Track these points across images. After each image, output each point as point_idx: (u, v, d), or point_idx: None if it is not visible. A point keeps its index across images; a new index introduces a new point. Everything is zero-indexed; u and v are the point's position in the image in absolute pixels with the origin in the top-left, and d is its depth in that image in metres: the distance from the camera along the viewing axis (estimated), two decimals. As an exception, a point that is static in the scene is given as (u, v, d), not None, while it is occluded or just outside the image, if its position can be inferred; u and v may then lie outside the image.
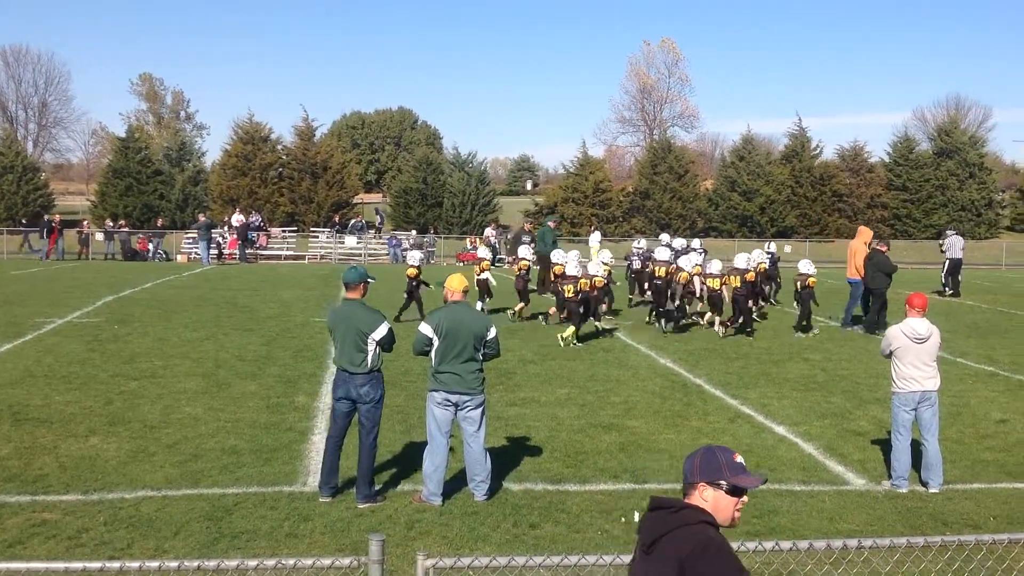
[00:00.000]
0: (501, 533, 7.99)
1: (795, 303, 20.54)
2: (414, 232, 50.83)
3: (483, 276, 21.71)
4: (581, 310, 18.40)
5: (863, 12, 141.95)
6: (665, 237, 30.76)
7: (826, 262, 41.50)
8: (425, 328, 8.70)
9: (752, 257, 20.50)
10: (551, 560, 4.63)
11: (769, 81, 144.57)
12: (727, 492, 3.78)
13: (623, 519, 8.31)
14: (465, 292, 8.91)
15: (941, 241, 31.06)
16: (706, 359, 16.65)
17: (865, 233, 22.23)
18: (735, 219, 59.47)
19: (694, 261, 20.74)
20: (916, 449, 9.49)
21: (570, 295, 18.36)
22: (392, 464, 9.86)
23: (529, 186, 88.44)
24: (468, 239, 50.05)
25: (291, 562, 4.60)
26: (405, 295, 20.77)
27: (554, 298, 21.08)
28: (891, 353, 9.43)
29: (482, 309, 21.54)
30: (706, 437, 11.14)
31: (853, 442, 11.08)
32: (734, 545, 4.80)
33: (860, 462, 10.25)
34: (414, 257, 21.75)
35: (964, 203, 61.52)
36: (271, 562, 4.60)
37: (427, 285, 20.47)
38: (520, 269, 22.10)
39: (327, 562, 4.57)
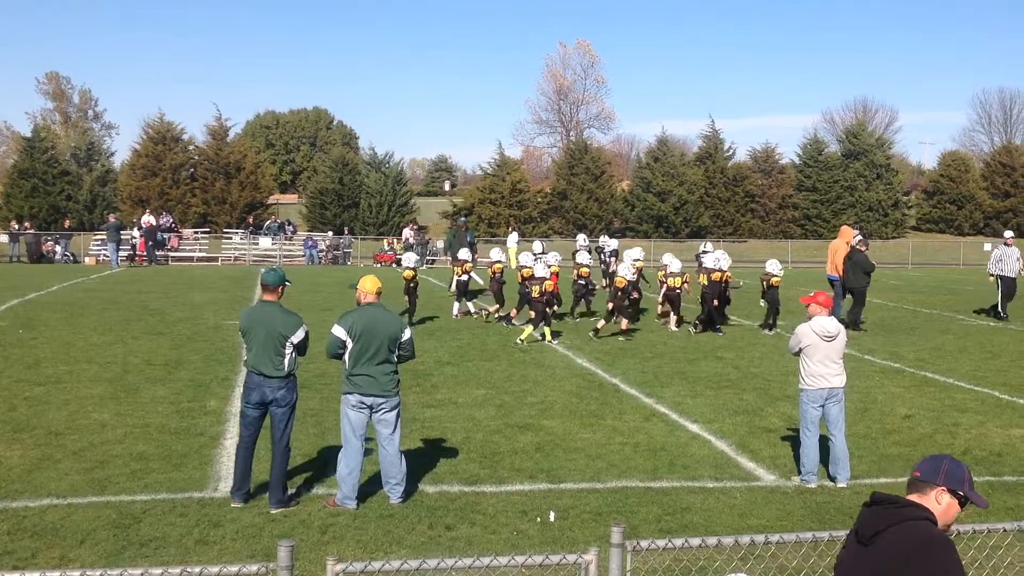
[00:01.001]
0: (416, 535, 7.94)
1: (762, 302, 21.14)
2: (338, 232, 50.30)
3: (464, 278, 22.23)
4: (548, 310, 18.85)
5: (774, 15, 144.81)
6: (581, 238, 31.03)
7: (739, 262, 42.13)
8: (338, 331, 8.59)
9: (718, 257, 20.84)
10: (463, 562, 4.60)
11: (683, 83, 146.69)
12: (959, 503, 4.07)
13: (538, 519, 8.32)
14: (378, 293, 8.83)
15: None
16: (622, 359, 16.78)
17: (847, 233, 22.72)
18: (650, 220, 60.15)
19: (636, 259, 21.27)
20: (824, 445, 9.68)
21: (536, 296, 18.62)
22: (306, 468, 9.74)
23: (447, 187, 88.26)
24: (385, 240, 49.76)
25: (197, 569, 4.49)
26: (406, 297, 20.80)
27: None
28: (800, 351, 9.60)
29: (468, 312, 22.42)
30: (621, 436, 11.24)
31: (764, 439, 11.27)
32: (644, 544, 4.85)
33: (771, 458, 10.42)
34: (410, 259, 21.91)
35: (871, 203, 63.16)
36: (176, 570, 4.48)
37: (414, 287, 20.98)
38: (495, 272, 22.21)
39: (234, 569, 4.48)
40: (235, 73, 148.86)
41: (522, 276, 20.56)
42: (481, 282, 22.50)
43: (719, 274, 20.22)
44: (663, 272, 20.94)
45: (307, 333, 8.71)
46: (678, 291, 20.57)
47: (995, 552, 6.99)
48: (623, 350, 17.74)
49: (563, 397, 13.42)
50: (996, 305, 23.79)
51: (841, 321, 21.36)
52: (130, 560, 7.20)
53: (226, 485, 8.94)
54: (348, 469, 8.55)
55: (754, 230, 61.50)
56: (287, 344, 8.53)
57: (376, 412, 8.64)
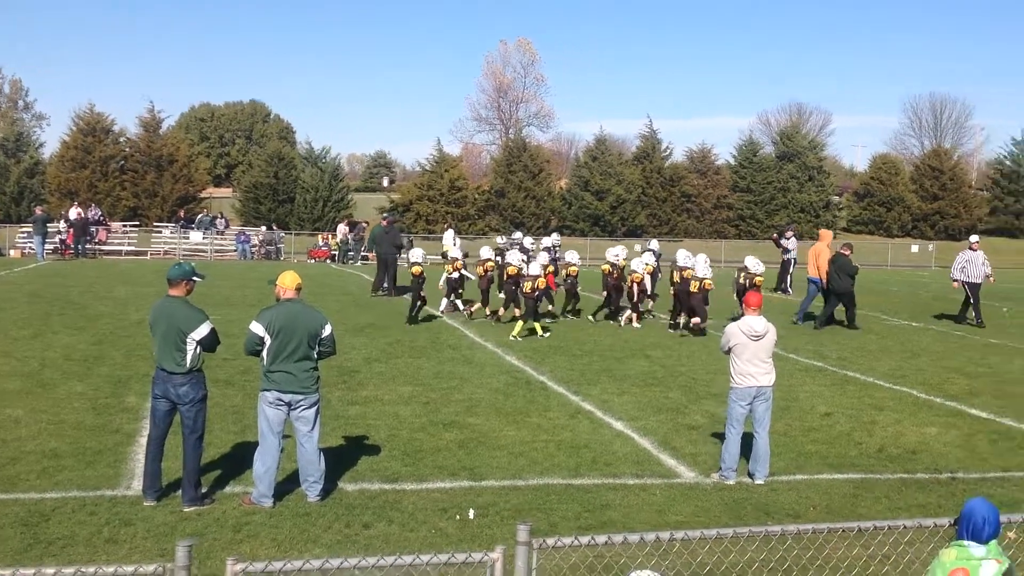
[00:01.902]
0: (333, 534, 7.85)
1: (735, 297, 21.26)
2: (262, 227, 49.72)
3: (455, 276, 22.20)
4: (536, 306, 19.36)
5: (712, 18, 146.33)
6: (518, 235, 31.07)
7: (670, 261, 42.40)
8: (256, 327, 8.46)
9: (688, 255, 21.05)
10: (366, 561, 4.54)
11: (622, 83, 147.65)
12: None
13: (458, 517, 8.28)
14: (298, 289, 8.72)
15: (784, 242, 32.11)
16: (551, 356, 16.80)
17: (826, 236, 23.52)
18: (587, 218, 60.44)
19: (646, 261, 21.76)
20: (747, 442, 9.77)
21: (527, 292, 19.11)
22: (223, 465, 9.59)
23: (385, 183, 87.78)
24: (320, 236, 49.31)
25: (92, 569, 4.38)
26: (411, 294, 20.95)
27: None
28: (729, 350, 9.68)
29: (456, 307, 22.48)
30: (546, 433, 11.24)
31: (686, 436, 11.35)
32: (566, 540, 4.82)
33: (692, 455, 10.49)
34: (416, 255, 21.88)
35: (804, 205, 64.14)
36: (69, 570, 4.37)
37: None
38: (486, 270, 22.22)
39: (130, 569, 4.37)
40: (170, 65, 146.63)
41: (508, 274, 20.88)
42: (473, 278, 22.66)
43: (690, 272, 20.43)
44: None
45: (212, 330, 8.52)
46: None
47: (908, 548, 7.11)
48: (553, 348, 17.77)
49: (490, 394, 13.39)
50: (965, 313, 23.27)
51: (809, 316, 22.52)
52: (35, 559, 7.03)
53: (140, 483, 8.75)
54: (264, 467, 8.43)
55: (689, 230, 62.10)
56: (188, 340, 8.35)
57: (295, 409, 8.53)
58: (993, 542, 4.57)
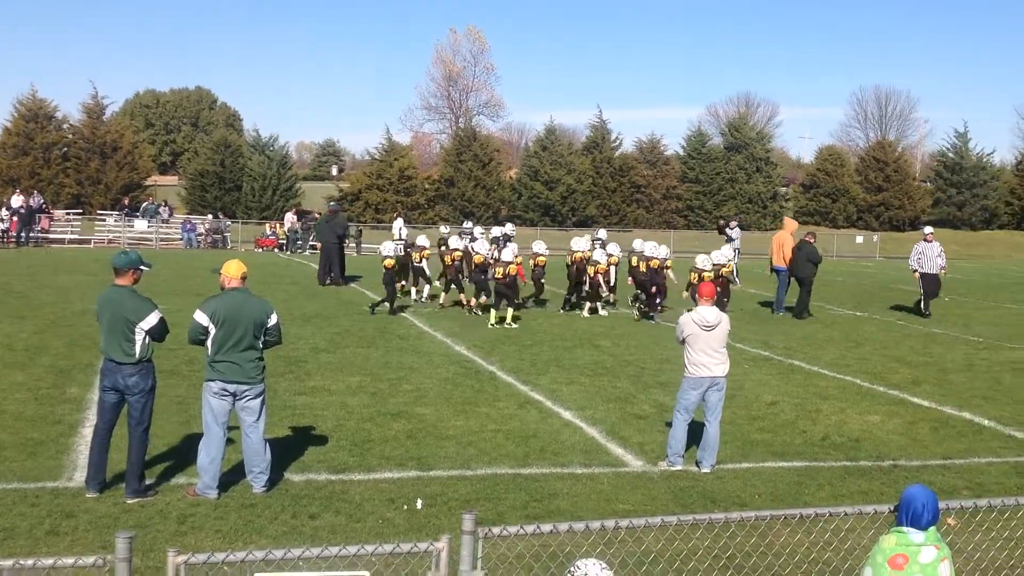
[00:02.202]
0: (278, 525, 7.80)
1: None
2: (210, 216, 49.14)
3: (423, 264, 22.76)
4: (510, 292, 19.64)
5: (662, 8, 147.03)
6: (468, 224, 31.04)
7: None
8: (200, 316, 8.35)
9: (655, 245, 21.67)
10: (310, 551, 4.51)
11: (572, 73, 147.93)
12: None
13: (405, 507, 8.26)
14: (244, 278, 8.62)
15: (728, 231, 32.39)
16: (501, 346, 16.81)
17: (790, 224, 24.27)
18: (538, 208, 60.54)
19: (610, 252, 22.11)
20: (698, 430, 9.83)
21: (499, 278, 19.45)
22: (168, 456, 9.47)
23: (335, 171, 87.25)
24: (268, 224, 48.86)
25: (30, 561, 4.31)
26: (384, 286, 20.91)
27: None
28: (684, 340, 9.74)
29: (420, 296, 23.08)
30: (494, 423, 11.25)
31: (634, 425, 11.41)
32: (512, 529, 4.82)
33: (639, 444, 10.55)
34: (388, 248, 21.80)
35: (751, 195, 64.79)
36: (8, 562, 4.30)
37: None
38: (453, 260, 22.45)
39: (70, 561, 4.30)
40: (115, 51, 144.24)
41: (475, 263, 21.10)
42: (428, 273, 23.40)
43: (657, 261, 20.93)
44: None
45: (161, 319, 8.41)
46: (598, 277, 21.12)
47: (850, 535, 7.21)
48: (502, 337, 17.78)
49: (438, 384, 13.37)
50: (919, 302, 23.54)
51: (788, 309, 22.72)
52: (-27, 553, 6.89)
53: (82, 474, 8.62)
54: (209, 458, 8.34)
55: (639, 220, 62.45)
56: (136, 330, 8.23)
57: (240, 400, 8.44)
58: (932, 528, 4.65)
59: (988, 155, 71.21)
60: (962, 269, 44.73)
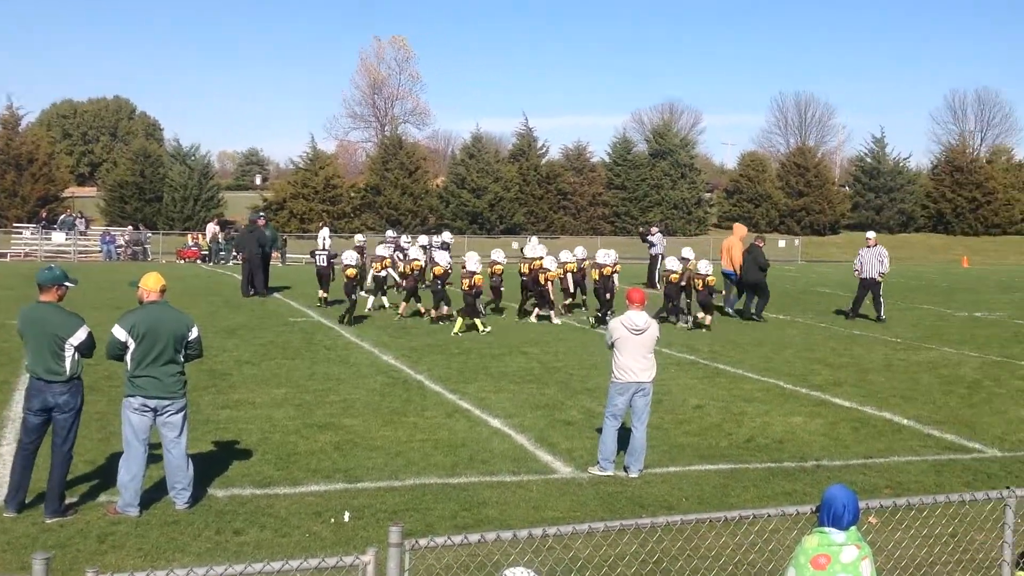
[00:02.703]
0: (202, 542, 7.65)
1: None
2: (130, 227, 48.21)
3: (383, 274, 23.39)
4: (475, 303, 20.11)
5: (585, 16, 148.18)
6: (391, 233, 30.92)
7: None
8: (118, 331, 8.17)
9: (608, 253, 22.35)
10: (233, 569, 4.41)
11: (498, 81, 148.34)
12: None
13: (332, 520, 8.16)
14: (163, 291, 8.45)
15: (650, 237, 32.72)
16: (428, 355, 16.74)
17: (740, 229, 25.04)
18: (465, 216, 60.50)
19: (565, 260, 22.57)
20: (624, 435, 9.89)
21: (465, 288, 19.81)
22: (89, 474, 9.25)
23: (258, 180, 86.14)
24: (190, 235, 48.10)
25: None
26: (346, 296, 21.05)
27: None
28: (613, 344, 9.79)
29: (383, 306, 23.47)
30: (423, 433, 11.18)
31: (563, 432, 11.43)
32: (439, 540, 4.77)
33: (568, 451, 10.57)
34: (350, 257, 21.82)
35: (676, 202, 65.55)
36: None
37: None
38: (412, 270, 22.69)
39: (-20, 588, 4.16)
40: (30, 60, 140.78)
41: (434, 273, 21.32)
42: (397, 279, 24.04)
43: (609, 268, 21.48)
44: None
45: (89, 334, 8.24)
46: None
47: (774, 536, 7.30)
48: (431, 346, 17.72)
49: (366, 395, 13.26)
50: (877, 310, 23.34)
51: (738, 312, 23.28)
52: None
53: (0, 494, 8.38)
54: (130, 475, 8.16)
55: (566, 227, 62.76)
56: (66, 346, 8.05)
57: (161, 415, 8.27)
58: (853, 528, 4.72)
59: (904, 160, 73.15)
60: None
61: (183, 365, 8.44)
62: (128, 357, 8.19)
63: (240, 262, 29.62)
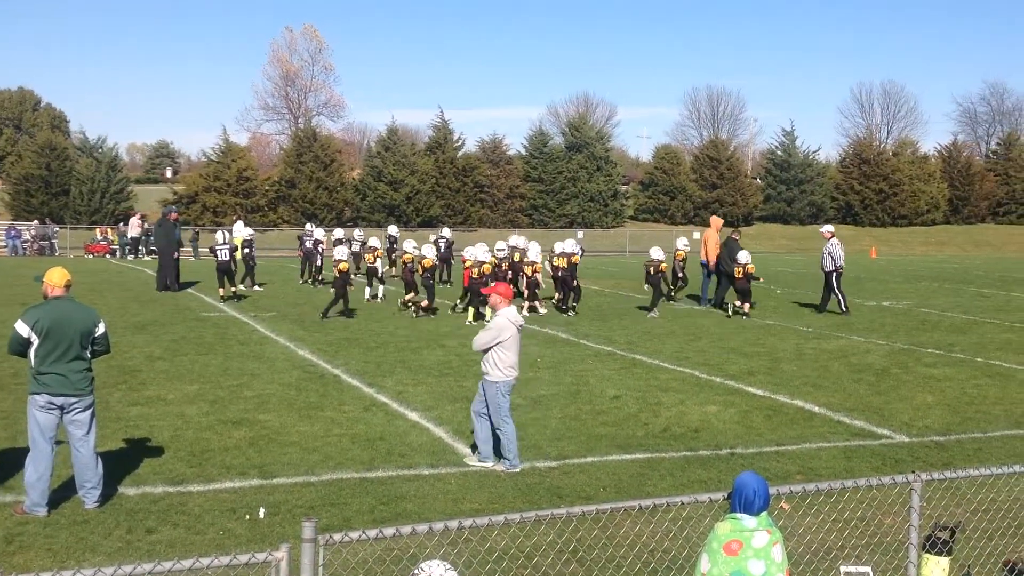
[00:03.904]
0: (113, 541, 7.47)
1: (646, 287, 23.36)
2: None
3: (376, 264, 24.45)
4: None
5: (500, 8, 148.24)
6: (309, 227, 30.64)
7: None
8: (20, 327, 7.93)
9: (573, 242, 23.67)
10: (142, 567, 4.31)
11: (413, 73, 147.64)
12: None
13: (247, 517, 8.05)
14: (67, 286, 8.23)
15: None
16: (346, 349, 16.61)
17: (716, 222, 25.83)
18: (382, 209, 60.13)
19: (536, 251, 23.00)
20: (493, 431, 9.76)
21: (477, 278, 20.54)
22: (-8, 475, 8.97)
23: (169, 173, 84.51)
24: (98, 229, 46.97)
25: None
26: (332, 290, 21.37)
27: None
28: (501, 342, 9.57)
29: (377, 296, 24.48)
30: (340, 427, 11.09)
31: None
32: (354, 535, 4.73)
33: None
34: (342, 252, 22.33)
35: (593, 194, 66.00)
36: None
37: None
38: (404, 262, 22.91)
39: None
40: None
41: (423, 267, 21.80)
42: (390, 270, 25.40)
43: (577, 257, 22.91)
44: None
45: None
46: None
47: (688, 523, 7.41)
48: (348, 340, 17.57)
49: (281, 390, 13.10)
50: (827, 301, 23.42)
51: (709, 302, 24.16)
52: None
53: None
54: (37, 474, 7.93)
55: (484, 219, 62.79)
56: None
57: (68, 413, 8.06)
58: (764, 513, 4.79)
59: (814, 153, 74.76)
60: (792, 263, 46.77)
61: (90, 361, 8.23)
62: (32, 354, 7.97)
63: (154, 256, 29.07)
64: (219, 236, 24.81)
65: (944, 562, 5.90)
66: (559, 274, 22.71)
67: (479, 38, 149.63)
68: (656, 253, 22.43)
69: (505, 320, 9.65)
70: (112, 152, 59.05)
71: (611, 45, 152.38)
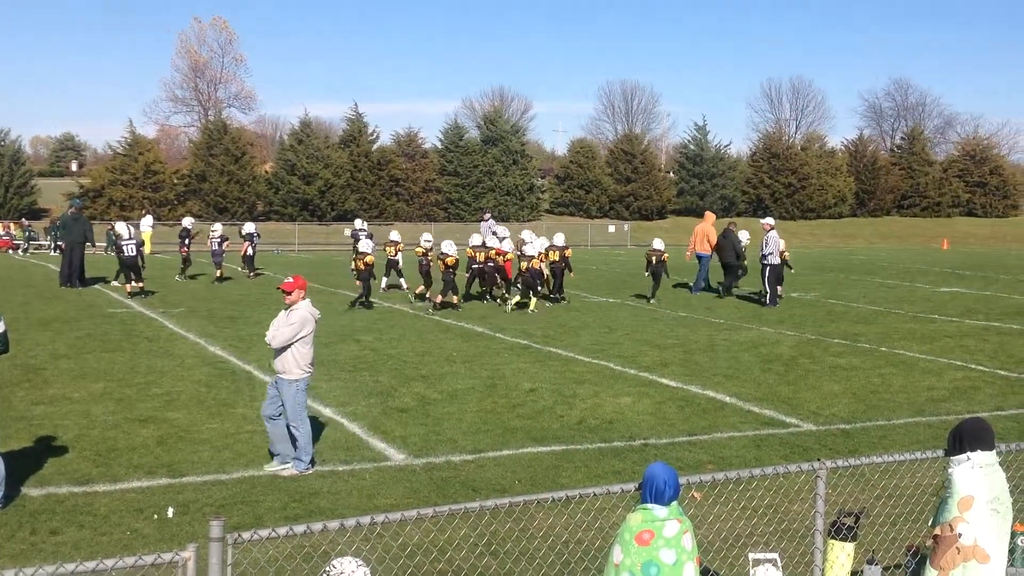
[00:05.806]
0: (16, 543, 7.27)
1: (647, 275, 24.32)
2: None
3: (397, 257, 25.12)
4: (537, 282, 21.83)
5: (412, 2, 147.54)
6: (217, 227, 30.08)
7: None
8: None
9: (560, 237, 24.04)
10: (44, 570, 4.19)
11: (326, 66, 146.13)
12: None
13: (156, 516, 7.88)
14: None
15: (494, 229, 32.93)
16: (258, 345, 16.33)
17: (710, 216, 27.46)
18: (296, 203, 59.39)
19: (539, 247, 22.85)
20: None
21: (524, 269, 21.58)
22: None
23: (75, 167, 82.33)
24: (1, 224, 45.58)
25: None
26: (358, 283, 21.81)
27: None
28: (303, 337, 9.35)
29: (397, 285, 25.29)
30: (252, 424, 10.93)
31: (396, 419, 11.38)
32: (263, 533, 4.65)
33: (402, 438, 10.53)
34: (367, 246, 22.13)
35: (509, 188, 66.08)
36: None
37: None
38: (418, 256, 23.58)
39: None
40: None
41: (446, 264, 21.70)
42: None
43: (569, 250, 23.73)
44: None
45: None
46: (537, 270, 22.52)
47: (600, 514, 7.47)
48: (259, 336, 17.28)
49: (191, 387, 12.86)
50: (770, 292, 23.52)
51: (703, 290, 25.51)
52: None
53: None
54: (-67, 478, 7.67)
55: (399, 213, 62.37)
56: None
57: (-34, 413, 7.80)
58: (674, 503, 4.86)
59: (725, 147, 75.84)
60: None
61: (-10, 360, 7.98)
62: (-72, 353, 7.70)
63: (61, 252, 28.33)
64: (123, 231, 24.20)
65: (849, 547, 6.04)
66: (551, 267, 23.47)
67: (394, 31, 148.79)
68: (658, 244, 23.92)
69: (307, 314, 9.38)
70: (15, 145, 57.29)
71: (526, 39, 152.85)
